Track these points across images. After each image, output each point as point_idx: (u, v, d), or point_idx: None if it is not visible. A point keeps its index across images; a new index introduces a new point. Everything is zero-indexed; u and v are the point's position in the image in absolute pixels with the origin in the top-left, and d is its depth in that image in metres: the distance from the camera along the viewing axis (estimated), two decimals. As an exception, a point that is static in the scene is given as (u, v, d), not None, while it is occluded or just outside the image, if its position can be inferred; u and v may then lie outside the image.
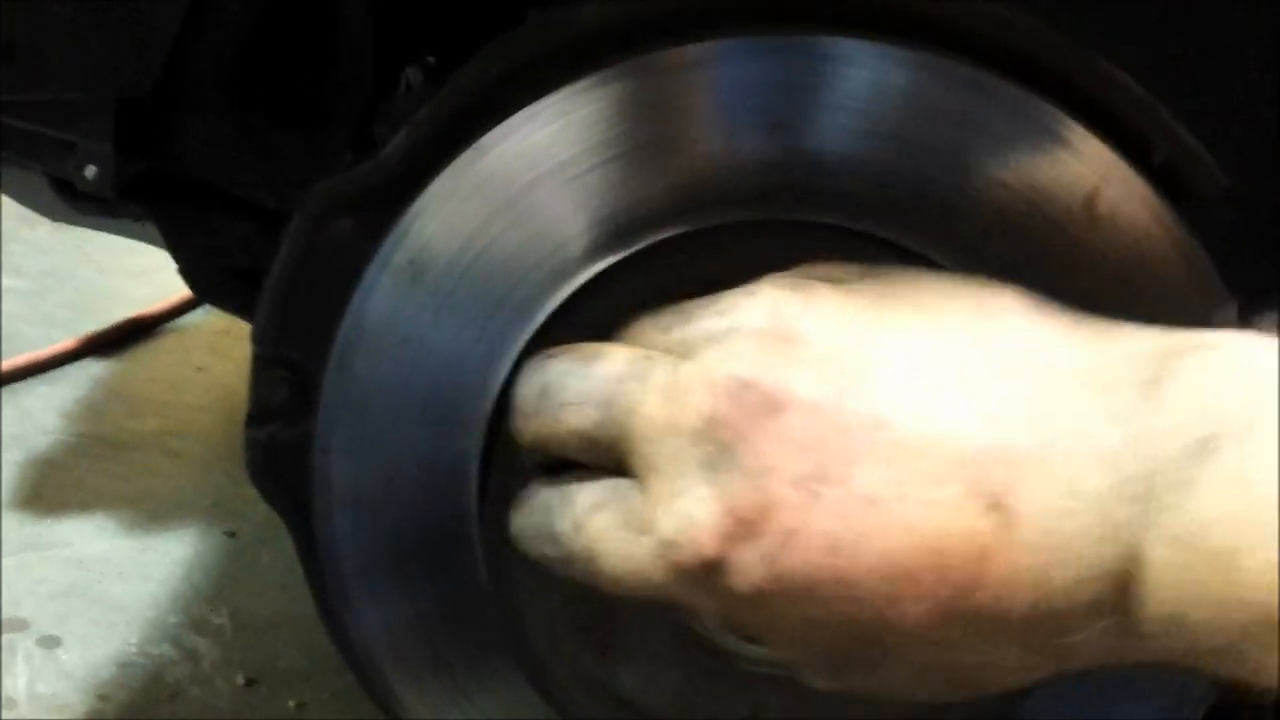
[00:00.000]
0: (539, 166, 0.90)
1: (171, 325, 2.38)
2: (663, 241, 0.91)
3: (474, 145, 0.89)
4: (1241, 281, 0.92)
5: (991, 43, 0.89)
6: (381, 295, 0.91)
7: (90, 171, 1.21)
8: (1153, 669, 0.67)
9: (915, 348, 0.68)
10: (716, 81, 0.89)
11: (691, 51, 0.89)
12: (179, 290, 2.04)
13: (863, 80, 0.88)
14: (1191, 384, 0.62)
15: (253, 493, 1.00)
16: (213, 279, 1.33)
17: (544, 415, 0.78)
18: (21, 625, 1.66)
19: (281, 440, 0.96)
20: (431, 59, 1.11)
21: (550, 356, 0.81)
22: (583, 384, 0.77)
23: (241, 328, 0.98)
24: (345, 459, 0.95)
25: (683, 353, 0.73)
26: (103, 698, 1.57)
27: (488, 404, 0.93)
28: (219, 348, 2.29)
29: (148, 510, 1.89)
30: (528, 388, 0.81)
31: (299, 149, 1.24)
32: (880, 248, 0.91)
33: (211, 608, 1.71)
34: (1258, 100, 1.06)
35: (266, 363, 0.95)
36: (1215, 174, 0.90)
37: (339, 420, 0.94)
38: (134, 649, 1.64)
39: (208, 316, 2.35)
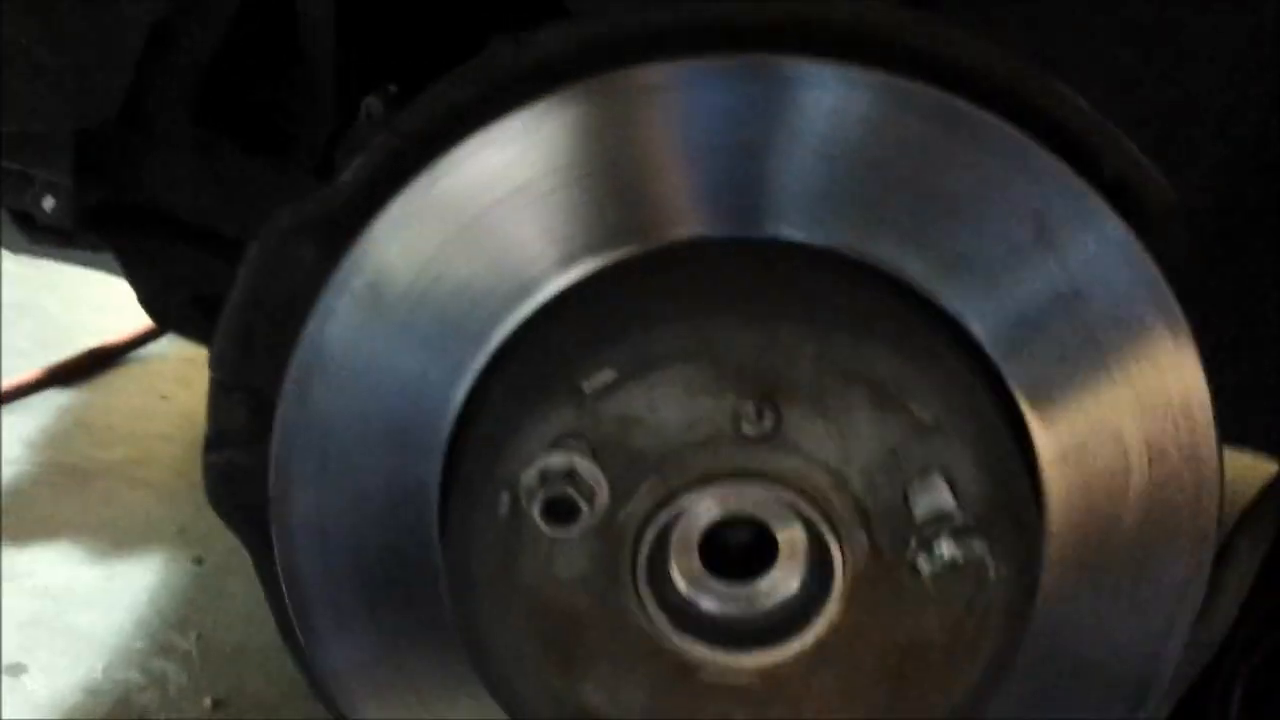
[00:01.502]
0: (496, 189, 0.91)
1: (136, 355, 2.37)
2: (622, 261, 0.93)
3: (430, 169, 0.90)
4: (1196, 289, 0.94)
5: (946, 62, 0.91)
6: (340, 320, 0.92)
7: (48, 204, 1.21)
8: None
9: None
10: (678, 103, 0.91)
11: (653, 72, 0.90)
12: (142, 320, 2.03)
13: (823, 103, 0.90)
14: None
15: (219, 520, 1.01)
16: (173, 308, 1.33)
17: None
18: (-13, 655, 1.65)
19: (240, 464, 0.97)
20: (393, 88, 1.12)
21: None
22: None
23: (205, 357, 0.98)
24: (305, 486, 0.96)
25: None
26: (70, 725, 1.56)
27: (446, 428, 0.94)
28: (184, 376, 2.28)
29: (113, 538, 1.88)
30: None
31: (262, 177, 1.24)
32: (839, 265, 0.92)
33: (178, 633, 1.71)
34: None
35: (225, 388, 0.96)
36: (1166, 189, 0.92)
37: (298, 446, 0.95)
38: (100, 676, 1.63)
39: (172, 346, 2.34)
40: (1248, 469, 1.50)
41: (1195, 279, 1.11)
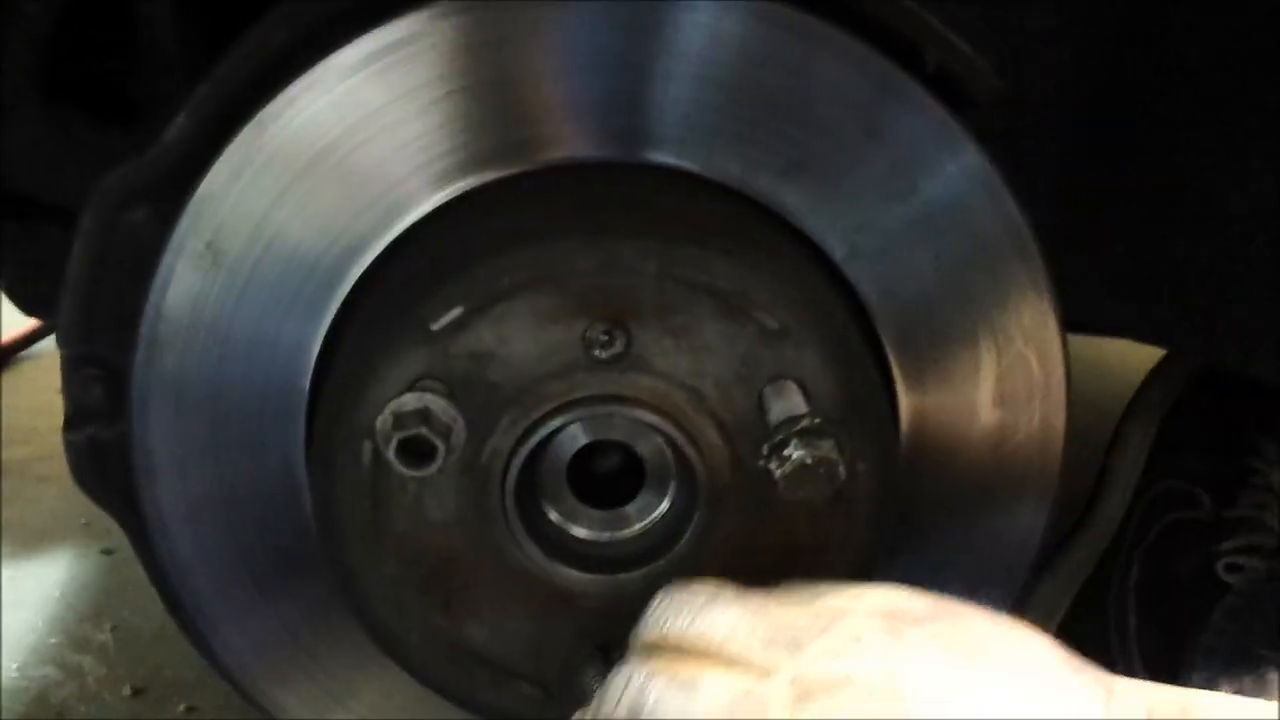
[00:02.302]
0: (331, 131, 0.89)
1: (27, 353, 2.34)
2: (468, 193, 0.91)
3: (257, 118, 0.88)
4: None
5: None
6: (181, 283, 0.91)
7: (-102, 200, 1.19)
8: None
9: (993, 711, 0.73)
10: (552, 20, 0.88)
11: None
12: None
13: (693, 25, 0.89)
14: None
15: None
16: (41, 294, 1.31)
17: None
18: (-100, 662, 1.63)
19: (103, 441, 0.95)
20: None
21: (646, 674, 0.77)
22: (684, 715, 0.74)
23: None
24: (169, 465, 0.94)
25: (800, 694, 0.73)
26: (-13, 726, 1.54)
27: (303, 386, 0.93)
28: (80, 368, 2.25)
29: (20, 537, 1.86)
30: (621, 704, 0.76)
31: (116, 149, 1.22)
32: (689, 182, 0.92)
33: (93, 625, 1.69)
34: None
35: (76, 362, 0.94)
36: (989, 78, 0.92)
37: (153, 419, 0.93)
38: (16, 674, 1.61)
39: (66, 338, 2.31)
40: (1140, 360, 1.53)
41: (1045, 161, 1.12)
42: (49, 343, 2.33)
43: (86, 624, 1.70)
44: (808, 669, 0.73)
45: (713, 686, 0.74)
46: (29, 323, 2.31)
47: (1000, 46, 1.08)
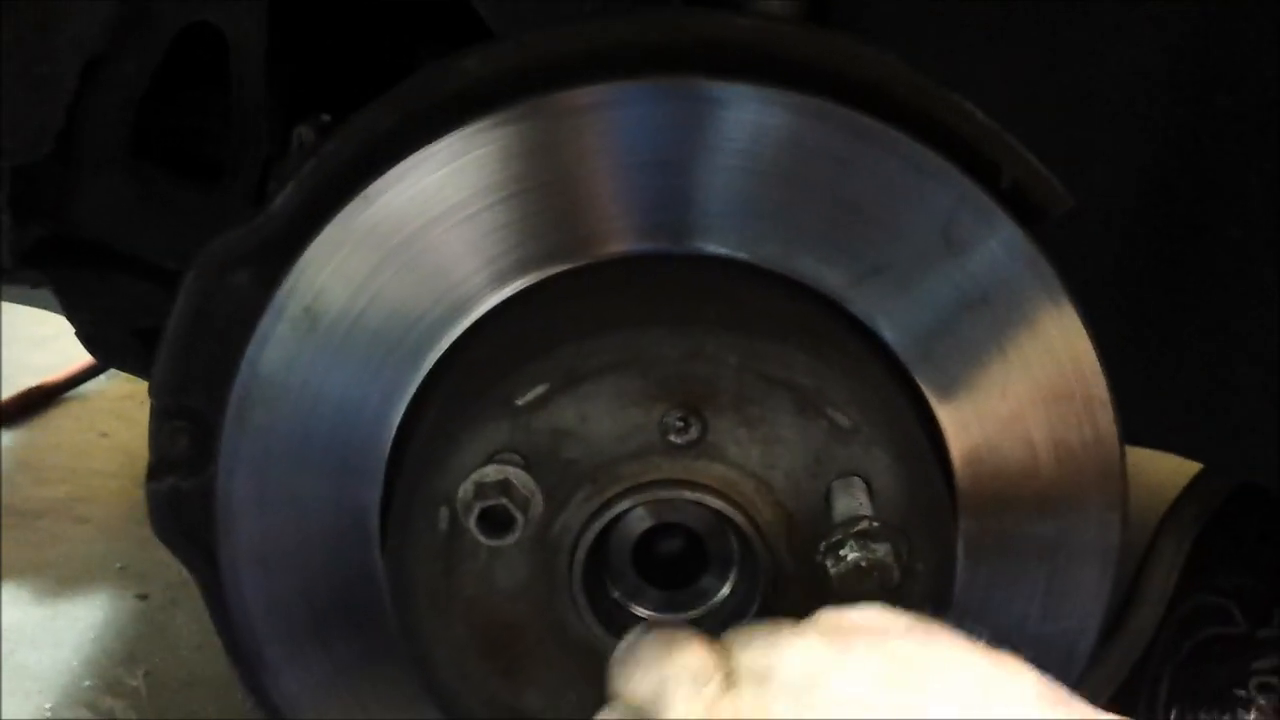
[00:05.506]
0: (427, 211, 0.94)
1: (74, 393, 2.37)
2: (552, 278, 0.96)
3: (363, 194, 0.93)
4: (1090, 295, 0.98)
5: (856, 81, 0.95)
6: (277, 344, 0.95)
7: (-14, 244, 1.22)
8: None
9: None
10: (605, 124, 0.94)
11: (583, 94, 0.93)
12: (81, 357, 2.04)
13: (744, 122, 0.94)
14: None
15: (163, 555, 1.02)
16: (113, 341, 1.34)
17: (618, 665, 0.87)
18: (-67, 699, 1.65)
19: (183, 491, 0.98)
20: (325, 116, 1.15)
21: (655, 628, 0.88)
22: (651, 665, 0.85)
23: (145, 392, 1.00)
24: (248, 511, 0.98)
25: (730, 680, 0.81)
26: (18, 766, 1.56)
27: (385, 448, 0.97)
28: (123, 413, 2.29)
29: (57, 577, 1.89)
30: (628, 640, 0.88)
31: (195, 206, 1.26)
32: (761, 276, 0.96)
33: (126, 670, 1.71)
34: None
35: (166, 414, 0.98)
36: (1061, 194, 0.96)
37: (239, 470, 0.97)
38: (49, 714, 1.63)
39: (110, 382, 2.34)
40: (1171, 471, 1.55)
41: (1098, 280, 1.16)
42: (92, 384, 2.37)
43: (120, 668, 1.72)
44: (743, 659, 0.82)
45: (685, 653, 0.84)
46: (74, 364, 2.34)
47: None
